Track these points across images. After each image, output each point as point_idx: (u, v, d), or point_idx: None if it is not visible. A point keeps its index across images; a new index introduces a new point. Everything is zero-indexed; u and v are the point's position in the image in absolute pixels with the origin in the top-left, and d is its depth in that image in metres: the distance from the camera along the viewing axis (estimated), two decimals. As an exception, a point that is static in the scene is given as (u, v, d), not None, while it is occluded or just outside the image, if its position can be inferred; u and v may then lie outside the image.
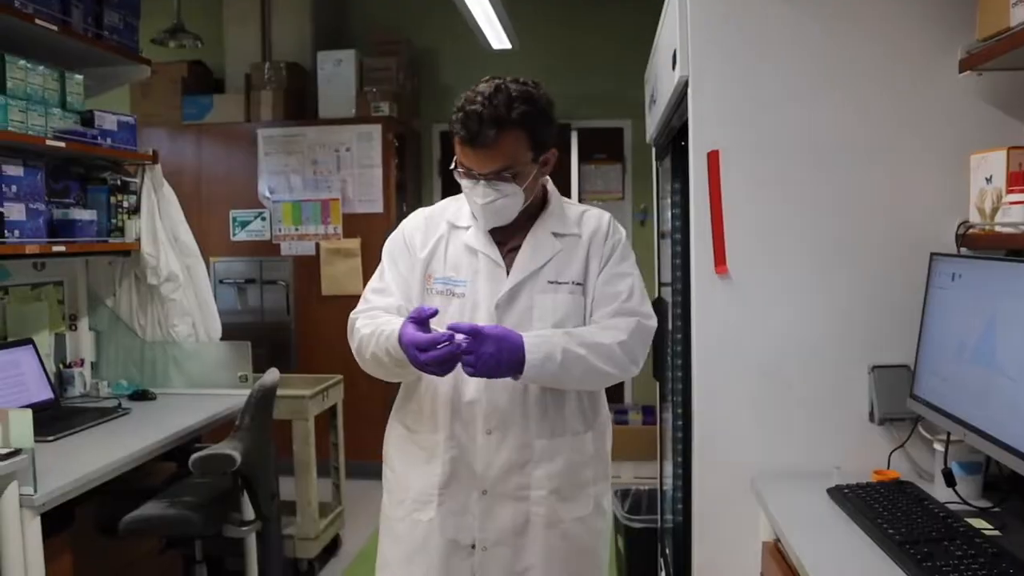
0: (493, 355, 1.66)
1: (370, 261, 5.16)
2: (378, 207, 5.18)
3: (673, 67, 2.12)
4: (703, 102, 2.00)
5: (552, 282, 1.84)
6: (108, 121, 3.29)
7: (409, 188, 5.72)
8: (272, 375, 3.09)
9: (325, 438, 4.14)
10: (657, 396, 3.47)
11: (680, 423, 2.43)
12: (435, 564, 1.85)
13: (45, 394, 3.11)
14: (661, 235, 3.32)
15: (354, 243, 5.17)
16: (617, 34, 5.67)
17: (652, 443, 5.18)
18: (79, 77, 3.19)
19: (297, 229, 5.23)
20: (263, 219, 5.22)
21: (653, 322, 1.87)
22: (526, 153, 1.79)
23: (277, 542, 3.70)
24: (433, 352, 1.66)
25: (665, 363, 2.95)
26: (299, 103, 5.43)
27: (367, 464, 5.06)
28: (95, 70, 3.41)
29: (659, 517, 3.37)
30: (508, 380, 1.76)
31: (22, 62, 2.90)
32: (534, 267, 1.84)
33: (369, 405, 5.11)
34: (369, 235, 5.14)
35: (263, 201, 5.24)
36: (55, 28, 2.98)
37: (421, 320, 1.71)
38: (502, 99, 1.73)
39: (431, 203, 2.11)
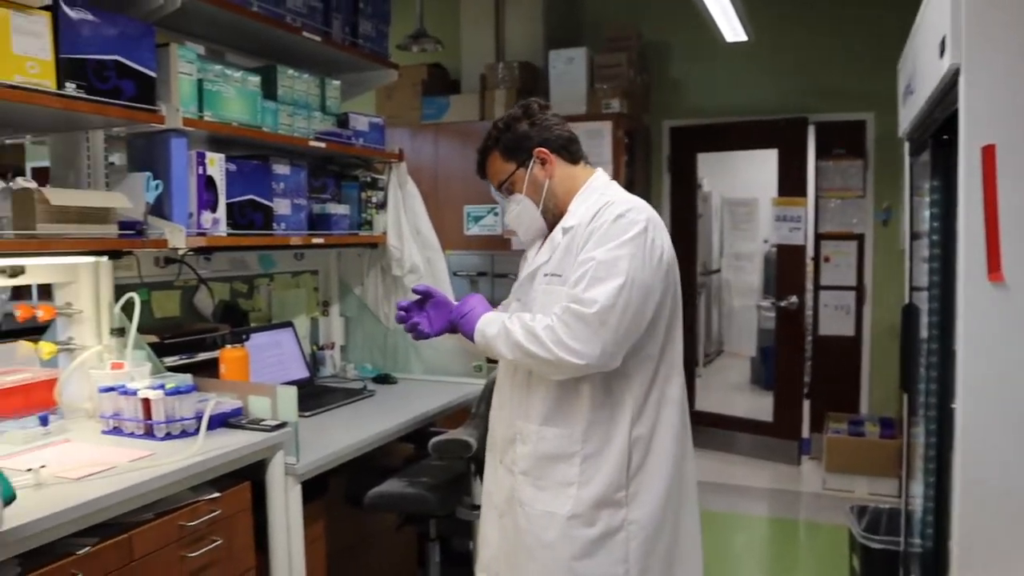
0: (427, 317, 2.13)
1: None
2: (606, 203, 5.21)
3: (940, 55, 1.97)
4: (977, 92, 1.84)
5: (548, 275, 2.00)
6: (361, 123, 3.56)
7: (638, 185, 5.71)
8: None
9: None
10: (904, 409, 3.23)
11: (935, 440, 2.25)
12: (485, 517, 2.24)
13: (302, 373, 3.43)
14: (914, 236, 3.09)
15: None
16: (859, 22, 5.34)
17: (890, 458, 4.86)
18: (336, 83, 3.47)
19: (526, 225, 5.37)
20: (495, 214, 5.42)
21: (589, 308, 1.84)
22: (506, 164, 2.10)
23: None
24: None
25: (916, 374, 2.75)
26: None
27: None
28: (349, 75, 3.69)
29: (903, 539, 3.14)
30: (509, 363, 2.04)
31: (290, 71, 3.19)
32: (536, 264, 2.06)
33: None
34: (596, 232, 5.20)
35: (495, 197, 5.42)
36: (319, 39, 3.27)
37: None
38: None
39: (660, 201, 2.29)
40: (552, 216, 2.08)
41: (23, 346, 2.67)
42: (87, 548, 1.88)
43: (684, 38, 5.81)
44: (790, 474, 5.41)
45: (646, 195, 5.84)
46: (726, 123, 5.62)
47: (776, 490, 5.19)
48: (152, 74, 2.50)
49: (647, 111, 5.87)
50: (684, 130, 5.83)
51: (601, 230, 1.91)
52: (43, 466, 1.95)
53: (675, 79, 5.89)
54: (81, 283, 2.74)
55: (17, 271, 2.50)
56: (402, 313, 2.17)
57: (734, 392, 6.94)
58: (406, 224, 3.72)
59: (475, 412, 3.10)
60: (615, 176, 5.14)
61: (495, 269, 5.46)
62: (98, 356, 2.72)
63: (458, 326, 2.09)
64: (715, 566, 4.23)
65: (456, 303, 2.13)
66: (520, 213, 2.13)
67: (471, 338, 2.05)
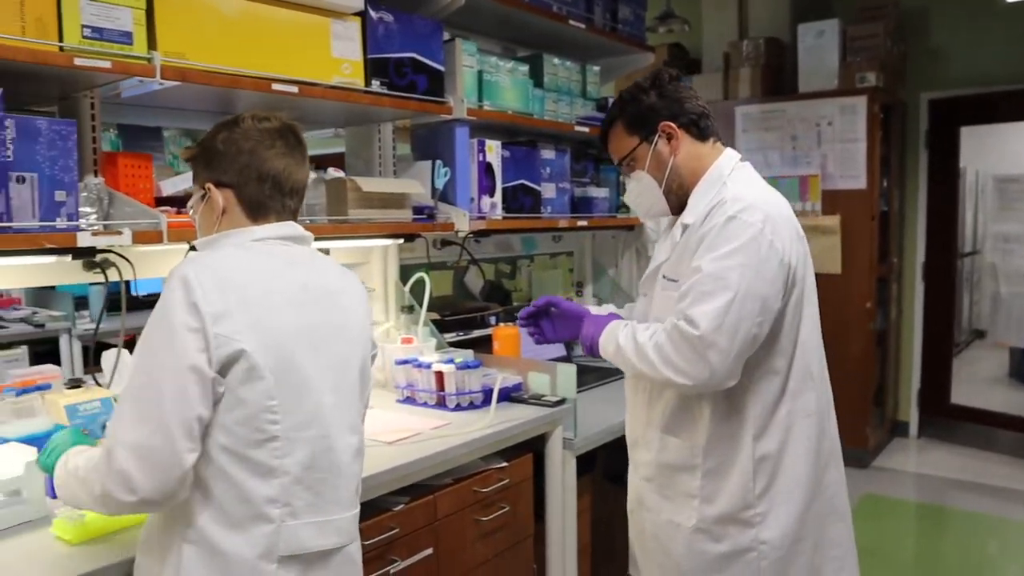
0: (550, 325, 2.08)
1: (849, 239, 4.96)
2: (860, 183, 4.94)
3: None
4: None
5: (666, 277, 1.84)
6: (619, 107, 3.58)
7: (893, 162, 5.35)
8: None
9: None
10: None
11: None
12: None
13: (559, 352, 3.52)
14: None
15: (833, 220, 4.99)
16: None
17: None
18: (596, 68, 3.52)
19: (772, 206, 5.20)
20: (737, 196, 5.29)
21: (695, 330, 1.65)
22: (629, 138, 1.88)
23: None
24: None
25: None
26: (777, 79, 5.37)
27: (844, 450, 4.90)
28: (607, 60, 3.73)
29: None
30: None
31: (555, 60, 3.27)
32: (658, 261, 1.90)
33: (852, 391, 4.96)
34: (849, 212, 4.94)
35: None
36: (583, 26, 3.32)
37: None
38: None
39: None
40: (676, 197, 1.87)
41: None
42: (401, 505, 2.05)
43: (947, 3, 5.35)
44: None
45: (900, 172, 5.46)
46: (998, 92, 5.12)
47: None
48: (441, 68, 2.66)
49: (902, 84, 5.47)
50: (946, 102, 5.38)
51: (711, 235, 1.72)
52: (363, 429, 2.15)
53: (936, 47, 5.44)
54: (373, 264, 2.97)
55: (324, 253, 2.75)
56: (522, 322, 2.11)
57: (990, 385, 6.36)
58: (663, 207, 3.71)
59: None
60: (870, 152, 4.89)
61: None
62: (386, 332, 2.94)
63: (584, 346, 1.97)
64: (964, 571, 3.93)
65: (587, 314, 2.00)
66: (641, 192, 1.90)
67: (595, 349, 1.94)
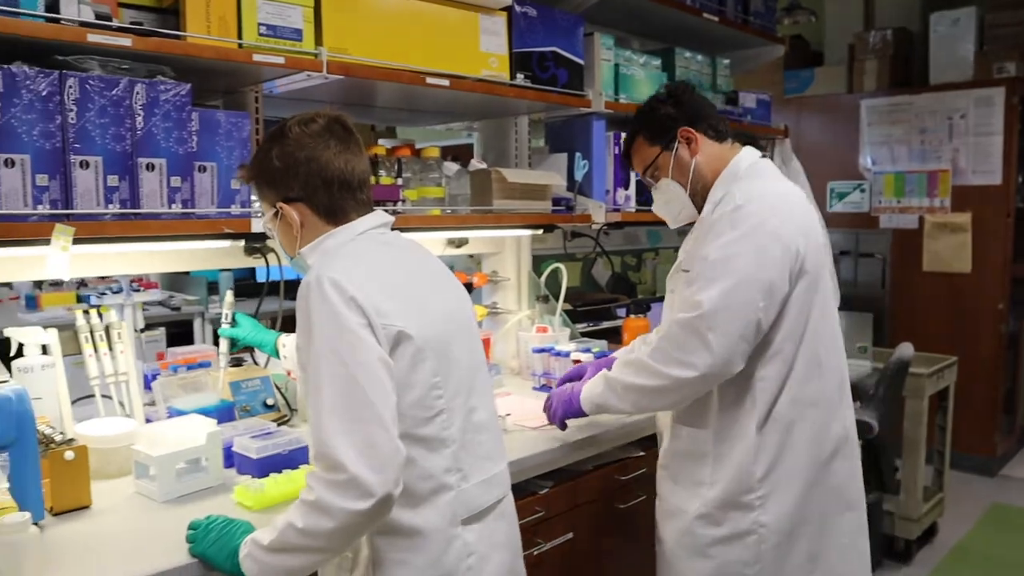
0: (552, 406, 2.06)
1: (981, 237, 4.74)
2: (995, 179, 4.70)
3: None
4: None
5: (683, 270, 1.88)
6: (749, 100, 3.52)
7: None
8: (908, 349, 3.03)
9: (931, 421, 3.94)
10: None
11: None
12: None
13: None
14: None
15: (963, 217, 4.78)
16: None
17: None
18: (726, 61, 3.46)
19: (899, 201, 5.01)
20: (862, 191, 5.12)
21: (695, 312, 1.70)
22: (651, 149, 1.96)
23: (878, 515, 3.66)
24: None
25: None
26: (905, 70, 5.17)
27: (970, 457, 4.73)
28: (736, 53, 3.66)
29: None
30: None
31: (686, 53, 3.24)
32: (680, 256, 1.96)
33: (979, 395, 4.75)
34: (982, 209, 4.72)
35: (863, 173, 5.13)
36: (716, 19, 3.27)
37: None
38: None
39: None
40: (701, 199, 1.92)
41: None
42: (546, 489, 2.07)
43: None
44: None
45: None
46: None
47: None
48: (581, 62, 2.67)
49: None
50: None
51: (719, 224, 1.77)
52: (508, 414, 2.18)
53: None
54: (506, 254, 3.01)
55: (463, 242, 2.81)
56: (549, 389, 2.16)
57: None
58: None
59: (873, 394, 2.97)
60: (1007, 146, 4.65)
61: (859, 248, 5.16)
62: (518, 322, 2.98)
63: (568, 412, 2.01)
64: None
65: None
66: (669, 199, 1.98)
67: (585, 413, 1.98)
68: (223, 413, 2.05)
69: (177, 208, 1.78)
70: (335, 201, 1.47)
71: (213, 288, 5.74)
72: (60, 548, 1.41)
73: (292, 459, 1.82)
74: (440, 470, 1.41)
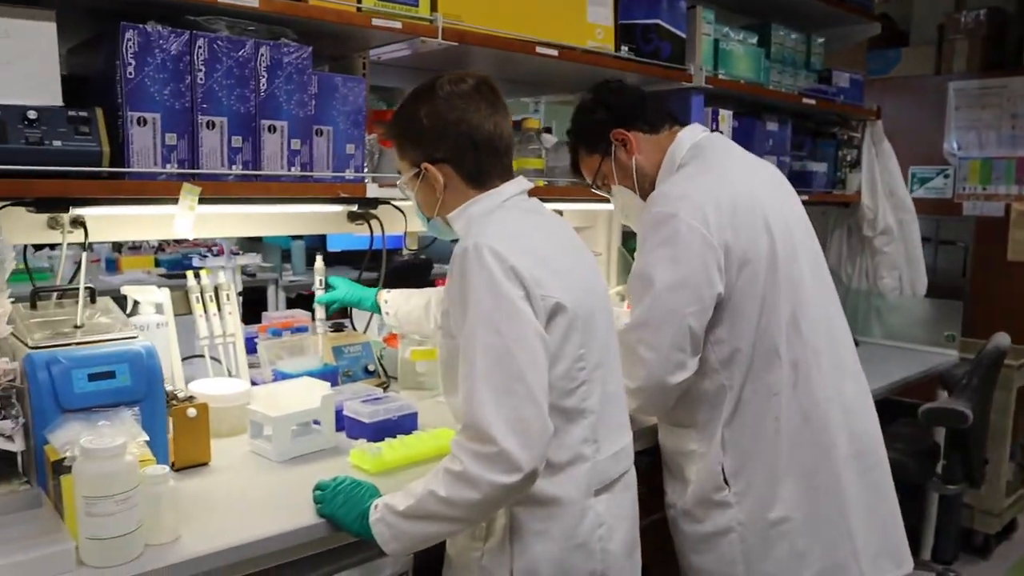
0: None
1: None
2: (1090, 167, 4.50)
3: None
4: None
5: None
6: (843, 79, 3.40)
7: None
8: (1005, 339, 2.92)
9: (1017, 414, 3.80)
10: None
11: None
12: None
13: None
14: None
15: (1050, 207, 4.58)
16: None
17: None
18: (820, 39, 3.34)
19: (984, 188, 4.82)
20: (945, 176, 4.94)
21: (628, 328, 1.73)
22: (591, 159, 1.95)
23: (958, 508, 3.56)
24: None
25: None
26: (999, 52, 4.95)
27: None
28: (831, 31, 3.53)
29: None
30: None
31: (782, 31, 3.13)
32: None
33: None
34: (1073, 198, 4.52)
35: (947, 158, 4.94)
36: (814, -7, 3.16)
37: None
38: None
39: None
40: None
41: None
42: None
43: None
44: None
45: None
46: None
47: None
48: (683, 35, 2.59)
49: None
50: None
51: (641, 230, 1.77)
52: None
53: None
54: (598, 228, 2.97)
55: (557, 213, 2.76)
56: None
57: None
58: (880, 184, 3.51)
59: (967, 383, 2.87)
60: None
61: (940, 235, 4.98)
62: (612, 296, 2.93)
63: None
64: None
65: None
66: (624, 205, 1.96)
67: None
68: (327, 377, 2.04)
69: (296, 171, 1.77)
70: (482, 165, 1.43)
71: (286, 256, 5.80)
72: (190, 503, 1.42)
73: (402, 425, 1.81)
74: (578, 441, 1.39)
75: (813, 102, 3.16)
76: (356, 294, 2.13)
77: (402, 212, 2.19)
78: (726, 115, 2.82)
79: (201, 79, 1.61)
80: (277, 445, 1.65)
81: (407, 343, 2.17)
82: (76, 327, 1.50)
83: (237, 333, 2.03)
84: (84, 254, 1.58)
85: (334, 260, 4.94)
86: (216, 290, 2.00)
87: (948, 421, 2.70)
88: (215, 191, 1.63)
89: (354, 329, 2.35)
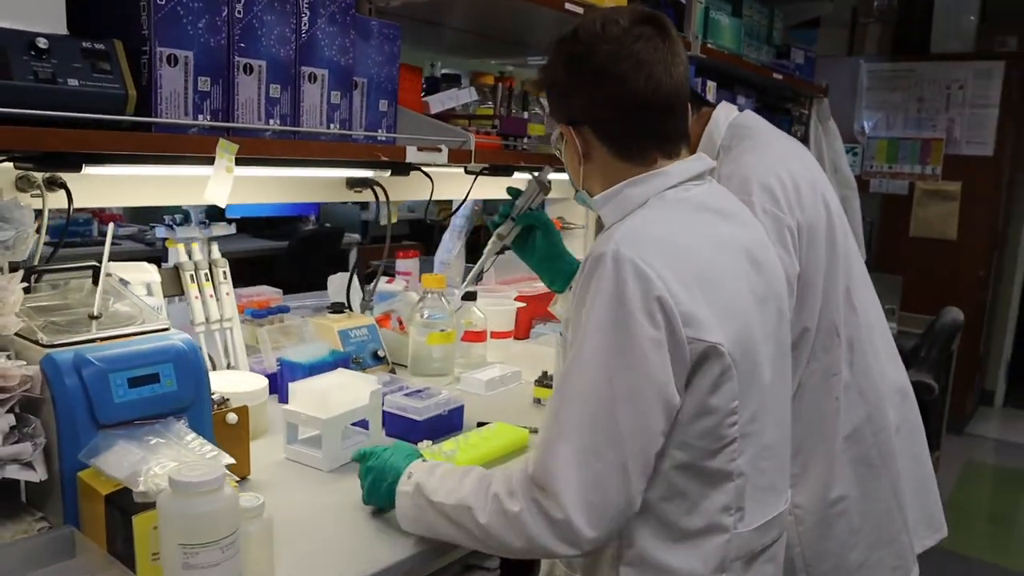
0: None
1: (969, 206, 4.76)
2: (987, 150, 4.72)
3: None
4: None
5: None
6: (799, 55, 3.37)
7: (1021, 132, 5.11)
8: (957, 314, 2.98)
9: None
10: None
11: None
12: None
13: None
14: None
15: (954, 186, 4.79)
16: None
17: None
18: (780, 14, 3.28)
19: (891, 167, 4.99)
20: (854, 154, 5.07)
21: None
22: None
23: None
24: None
25: None
26: (906, 37, 5.10)
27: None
28: (786, 6, 3.48)
29: None
30: None
31: (753, 3, 3.03)
32: None
33: (958, 358, 4.81)
34: (972, 179, 4.74)
35: (857, 136, 5.08)
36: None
37: None
38: None
39: None
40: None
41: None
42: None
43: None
44: None
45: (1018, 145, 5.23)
46: None
47: None
48: (683, 1, 2.44)
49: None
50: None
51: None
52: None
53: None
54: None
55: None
56: None
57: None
58: (827, 160, 3.52)
59: (925, 356, 2.91)
60: (1001, 121, 4.64)
61: (848, 211, 5.13)
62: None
63: None
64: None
65: None
66: None
67: None
68: (340, 366, 1.77)
69: (335, 129, 1.48)
70: (637, 133, 1.13)
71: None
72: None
73: (451, 421, 1.58)
74: (717, 508, 1.09)
75: (780, 77, 3.09)
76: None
77: (431, 179, 1.91)
78: (712, 86, 2.70)
79: (239, 12, 1.29)
80: (328, 452, 1.38)
81: (421, 326, 1.92)
82: (92, 317, 1.17)
83: (235, 318, 1.72)
84: (111, 226, 1.24)
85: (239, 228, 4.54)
86: (211, 267, 1.68)
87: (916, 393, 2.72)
88: (252, 149, 1.32)
89: (349, 308, 2.06)
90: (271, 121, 1.37)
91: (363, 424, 1.47)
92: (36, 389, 1.04)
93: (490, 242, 1.60)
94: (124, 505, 0.96)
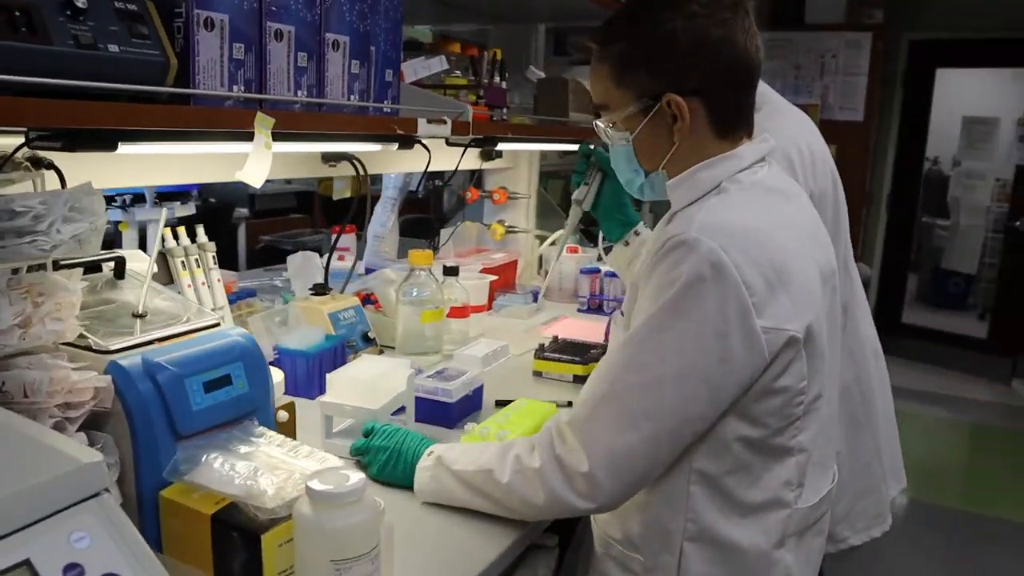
0: None
1: (843, 168, 5.00)
2: (858, 115, 5.04)
3: None
4: None
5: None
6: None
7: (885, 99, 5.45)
8: (865, 269, 3.17)
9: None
10: None
11: None
12: None
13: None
14: None
15: (831, 149, 5.07)
16: None
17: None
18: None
19: (773, 132, 5.23)
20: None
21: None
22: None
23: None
24: None
25: None
26: (783, 8, 5.32)
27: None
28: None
29: None
30: None
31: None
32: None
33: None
34: (845, 143, 5.02)
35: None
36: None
37: None
38: None
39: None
40: None
41: (468, 227, 2.71)
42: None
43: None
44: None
45: (881, 111, 5.57)
46: (976, 38, 5.30)
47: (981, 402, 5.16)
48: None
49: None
50: (925, 43, 5.50)
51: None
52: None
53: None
54: (520, 169, 2.73)
55: (498, 155, 2.49)
56: None
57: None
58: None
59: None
60: (869, 89, 4.95)
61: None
62: (554, 241, 2.73)
63: None
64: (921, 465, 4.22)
65: None
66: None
67: None
68: (338, 350, 1.67)
69: (355, 100, 1.37)
70: (737, 106, 1.09)
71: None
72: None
73: (475, 401, 1.53)
74: (779, 483, 1.09)
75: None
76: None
77: (428, 151, 1.81)
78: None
79: (270, -30, 1.16)
80: (375, 444, 1.29)
81: (412, 304, 1.83)
82: (137, 316, 1.03)
83: (226, 307, 1.58)
84: (163, 211, 1.09)
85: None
86: (200, 252, 1.53)
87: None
88: (285, 123, 1.20)
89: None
90: (299, 92, 1.25)
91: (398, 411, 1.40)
92: (108, 402, 0.91)
93: (571, 212, 1.53)
94: (241, 524, 0.86)
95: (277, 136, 1.22)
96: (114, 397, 0.91)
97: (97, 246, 0.89)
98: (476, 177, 2.75)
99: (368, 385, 1.33)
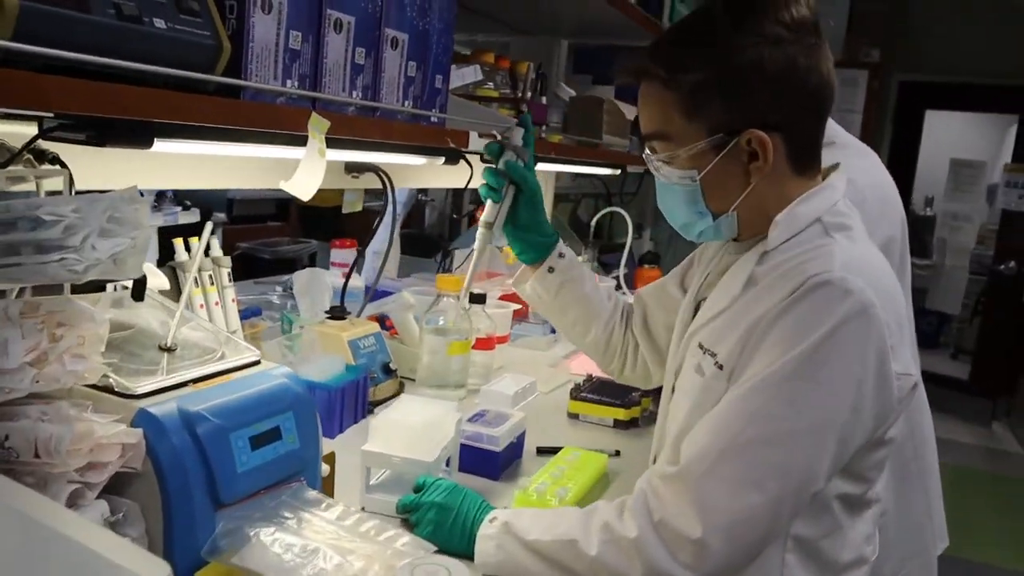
0: None
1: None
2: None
3: None
4: None
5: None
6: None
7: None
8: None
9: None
10: None
11: None
12: None
13: None
14: None
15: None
16: None
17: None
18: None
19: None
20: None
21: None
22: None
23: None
24: None
25: None
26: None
27: None
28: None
29: None
30: None
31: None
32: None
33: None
34: (839, 179, 5.00)
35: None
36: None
37: None
38: None
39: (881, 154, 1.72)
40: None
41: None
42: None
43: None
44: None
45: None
46: (968, 83, 5.31)
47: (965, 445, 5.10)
48: (667, -14, 2.30)
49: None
50: (915, 85, 5.50)
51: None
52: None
53: (913, 31, 5.47)
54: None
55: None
56: None
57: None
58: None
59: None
60: (864, 126, 4.91)
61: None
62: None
63: None
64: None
65: None
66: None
67: None
68: (360, 381, 1.49)
69: (409, 107, 1.20)
70: (815, 139, 0.99)
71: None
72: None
73: (518, 449, 1.35)
74: (861, 539, 1.01)
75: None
76: None
77: (471, 166, 1.63)
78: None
79: (333, -51, 0.99)
80: (421, 501, 1.11)
81: (438, 334, 1.65)
82: (165, 349, 0.85)
83: (239, 330, 1.39)
84: (208, 224, 0.90)
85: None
86: (215, 268, 1.34)
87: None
88: (337, 128, 1.02)
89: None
90: (354, 93, 1.07)
91: (440, 461, 1.21)
92: (137, 461, 0.72)
93: (478, 237, 1.29)
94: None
95: (330, 144, 1.05)
96: (144, 455, 0.72)
97: (138, 269, 0.70)
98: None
99: (416, 432, 1.14)
